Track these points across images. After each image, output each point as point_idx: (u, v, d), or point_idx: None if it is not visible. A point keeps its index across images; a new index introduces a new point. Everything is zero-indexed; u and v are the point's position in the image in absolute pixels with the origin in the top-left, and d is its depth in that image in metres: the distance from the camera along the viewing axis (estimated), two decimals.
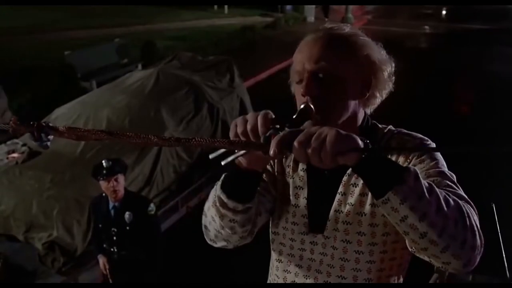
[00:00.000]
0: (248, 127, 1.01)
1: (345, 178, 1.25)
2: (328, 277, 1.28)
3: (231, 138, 1.03)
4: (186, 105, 5.76)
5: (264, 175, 1.28)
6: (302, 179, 1.31)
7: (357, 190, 1.23)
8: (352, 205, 1.23)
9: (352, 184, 1.24)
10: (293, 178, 1.33)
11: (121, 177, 3.30)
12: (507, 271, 2.93)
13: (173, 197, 5.22)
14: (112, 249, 3.43)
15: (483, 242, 1.01)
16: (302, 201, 1.30)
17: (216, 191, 1.19)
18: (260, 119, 1.00)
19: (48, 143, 1.10)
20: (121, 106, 5.47)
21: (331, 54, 1.16)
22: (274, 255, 1.40)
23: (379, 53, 1.21)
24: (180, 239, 4.90)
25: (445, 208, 0.96)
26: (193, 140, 0.99)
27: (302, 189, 1.31)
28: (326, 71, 1.16)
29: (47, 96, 8.32)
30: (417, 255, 1.06)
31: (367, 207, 1.21)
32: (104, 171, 3.25)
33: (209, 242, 1.35)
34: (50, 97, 8.27)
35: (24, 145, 5.07)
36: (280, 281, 1.37)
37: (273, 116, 1.02)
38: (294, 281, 1.33)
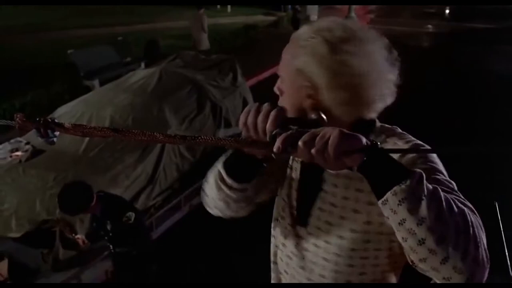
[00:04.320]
0: (259, 123, 1.04)
1: (326, 175, 1.25)
2: (310, 273, 1.29)
3: (241, 123, 1.07)
4: (189, 104, 5.76)
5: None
6: (296, 171, 1.34)
7: (339, 191, 1.22)
8: (335, 206, 1.23)
9: (332, 183, 1.24)
10: (291, 169, 1.36)
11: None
12: (510, 270, 2.92)
13: (176, 195, 5.23)
14: (108, 245, 3.53)
15: (488, 257, 0.96)
16: (294, 193, 1.33)
17: (219, 164, 1.29)
18: (271, 117, 1.03)
19: (54, 139, 1.10)
20: (124, 105, 5.48)
21: (287, 53, 1.22)
22: (272, 241, 1.44)
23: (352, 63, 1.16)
24: (182, 237, 4.91)
25: (447, 215, 0.92)
26: (199, 138, 0.99)
27: (295, 181, 1.33)
28: (281, 70, 1.24)
29: (50, 95, 8.34)
30: (419, 269, 1.03)
31: (349, 212, 1.21)
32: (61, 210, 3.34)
33: (205, 207, 1.41)
34: (53, 95, 8.30)
35: (27, 143, 5.08)
36: (276, 268, 1.41)
37: (286, 115, 1.04)
38: (286, 270, 1.37)
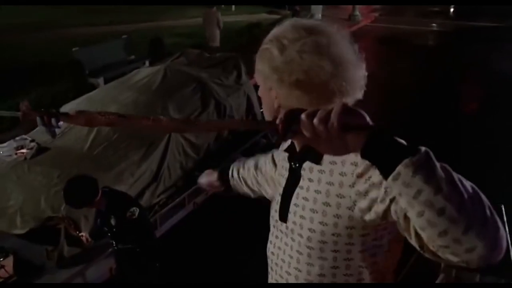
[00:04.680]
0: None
1: (302, 172, 1.30)
2: (288, 267, 1.35)
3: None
4: (193, 102, 5.77)
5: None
6: (283, 167, 1.41)
7: (312, 186, 1.26)
8: (307, 200, 1.27)
9: (308, 178, 1.27)
10: (282, 167, 1.43)
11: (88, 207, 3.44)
12: None
13: (180, 193, 5.24)
14: (111, 242, 3.58)
15: (502, 225, 0.93)
16: (280, 189, 1.40)
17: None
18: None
19: (56, 130, 1.11)
20: (128, 103, 5.50)
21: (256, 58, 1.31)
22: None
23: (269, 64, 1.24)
24: (187, 235, 4.92)
25: (460, 184, 0.90)
26: (201, 121, 1.00)
27: (283, 177, 1.40)
28: (255, 75, 1.33)
29: (54, 93, 8.37)
30: (428, 254, 1.00)
31: (319, 205, 1.23)
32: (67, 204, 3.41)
33: None
34: (57, 93, 8.32)
35: (32, 141, 5.10)
36: (269, 263, 1.48)
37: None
38: (271, 266, 1.44)
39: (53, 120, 1.10)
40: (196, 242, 4.85)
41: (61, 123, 1.11)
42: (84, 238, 3.78)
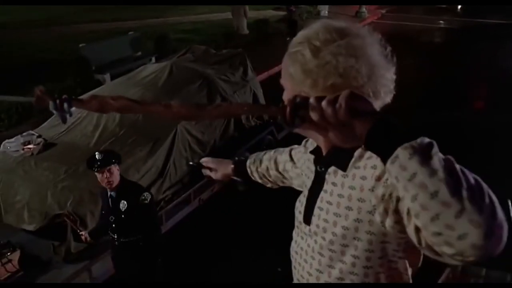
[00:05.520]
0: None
1: (327, 176, 1.29)
2: (310, 268, 1.36)
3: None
4: (199, 98, 5.77)
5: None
6: (309, 169, 1.40)
7: (335, 190, 1.26)
8: (330, 204, 1.27)
9: (332, 182, 1.27)
10: (308, 168, 1.42)
11: (114, 168, 3.42)
12: None
13: (185, 189, 5.25)
14: (113, 236, 3.56)
15: (503, 216, 0.88)
16: (305, 192, 1.40)
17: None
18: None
19: (68, 116, 1.12)
20: (135, 99, 5.50)
21: (284, 60, 1.26)
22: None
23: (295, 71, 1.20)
24: (192, 231, 4.93)
25: (460, 174, 0.88)
26: (212, 105, 1.01)
27: (308, 179, 1.40)
28: (282, 76, 1.28)
29: (61, 89, 8.39)
30: (426, 251, 0.98)
31: (342, 209, 1.23)
32: (98, 163, 3.39)
33: None
34: (64, 89, 8.35)
35: (39, 136, 5.13)
36: (292, 263, 1.48)
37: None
38: (294, 265, 1.45)
39: (65, 105, 1.11)
40: (201, 238, 4.86)
41: (73, 109, 1.12)
42: (83, 238, 3.75)
